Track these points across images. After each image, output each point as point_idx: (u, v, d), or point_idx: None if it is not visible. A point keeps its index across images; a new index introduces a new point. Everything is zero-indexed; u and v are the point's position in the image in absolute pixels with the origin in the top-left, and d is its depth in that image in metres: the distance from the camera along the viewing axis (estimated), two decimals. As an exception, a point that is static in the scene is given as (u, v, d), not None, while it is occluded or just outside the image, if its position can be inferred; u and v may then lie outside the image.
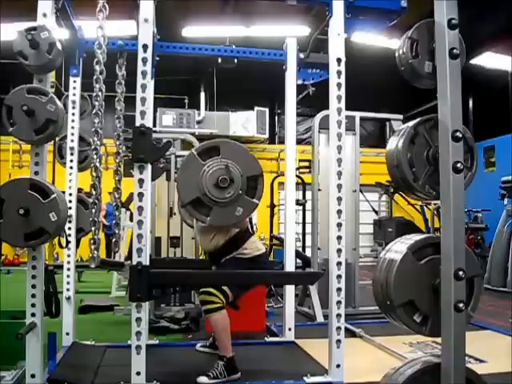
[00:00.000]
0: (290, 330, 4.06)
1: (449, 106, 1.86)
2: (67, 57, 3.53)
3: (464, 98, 1.87)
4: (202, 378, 3.06)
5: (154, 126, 5.84)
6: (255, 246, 3.39)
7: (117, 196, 3.64)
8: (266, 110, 11.50)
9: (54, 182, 4.26)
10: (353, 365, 3.08)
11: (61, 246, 3.17)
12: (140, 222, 2.62)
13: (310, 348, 3.76)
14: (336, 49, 3.03)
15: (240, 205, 2.80)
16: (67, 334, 3.68)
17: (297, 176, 5.28)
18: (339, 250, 2.96)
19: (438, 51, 1.92)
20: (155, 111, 5.97)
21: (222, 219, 2.85)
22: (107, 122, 3.45)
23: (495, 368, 3.16)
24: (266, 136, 11.51)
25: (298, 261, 5.62)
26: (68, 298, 3.74)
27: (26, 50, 2.56)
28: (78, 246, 9.50)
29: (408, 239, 1.93)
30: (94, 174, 3.30)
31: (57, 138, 3.98)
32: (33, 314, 2.60)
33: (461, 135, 1.84)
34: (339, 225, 2.97)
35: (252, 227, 4.76)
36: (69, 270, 3.76)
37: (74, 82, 3.84)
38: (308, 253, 6.35)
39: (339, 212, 2.97)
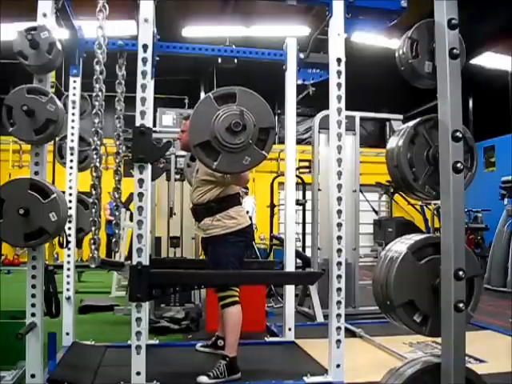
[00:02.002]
0: (290, 330, 4.06)
1: (449, 106, 1.86)
2: (67, 57, 3.53)
3: (464, 98, 1.87)
4: (202, 378, 3.06)
5: (154, 126, 5.83)
6: (239, 215, 3.40)
7: (117, 196, 3.64)
8: (266, 110, 11.47)
9: (53, 182, 4.25)
10: (353, 365, 3.08)
11: (61, 246, 3.17)
12: (140, 222, 2.62)
13: (310, 348, 3.76)
14: (336, 49, 3.03)
15: (248, 154, 2.74)
16: (67, 334, 3.68)
17: (297, 176, 5.28)
18: (339, 250, 2.96)
19: (438, 51, 1.92)
20: (155, 111, 5.95)
21: (228, 165, 2.78)
22: (107, 122, 3.44)
23: (495, 368, 3.16)
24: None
25: (298, 261, 5.62)
26: (68, 298, 3.74)
27: (26, 49, 2.56)
28: (80, 246, 9.54)
29: (408, 239, 1.93)
30: (94, 173, 3.30)
31: (57, 138, 3.98)
32: (33, 314, 2.60)
33: (461, 135, 1.84)
34: (339, 225, 2.97)
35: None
36: (69, 269, 3.76)
37: (74, 82, 3.84)
38: (308, 253, 6.35)
39: (339, 212, 2.97)
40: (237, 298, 3.29)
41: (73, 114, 3.79)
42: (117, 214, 3.76)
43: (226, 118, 2.69)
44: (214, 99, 2.76)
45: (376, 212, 11.65)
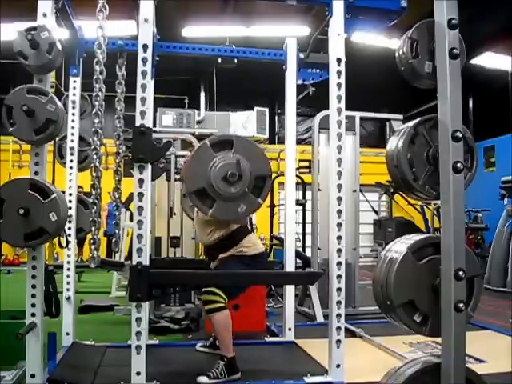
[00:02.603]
0: (290, 330, 4.06)
1: (449, 106, 1.86)
2: (67, 57, 3.53)
3: (464, 98, 1.87)
4: (202, 378, 3.06)
5: (154, 126, 5.83)
6: (253, 244, 3.38)
7: (117, 196, 3.64)
8: (266, 110, 11.49)
9: (53, 182, 4.26)
10: (353, 365, 3.08)
11: (61, 246, 3.17)
12: (140, 222, 2.62)
13: (309, 348, 3.76)
14: (336, 49, 3.03)
15: (244, 202, 2.79)
16: (67, 334, 3.68)
17: (297, 176, 5.28)
18: (339, 250, 2.96)
19: (438, 51, 1.92)
20: (155, 111, 5.96)
21: (224, 213, 2.83)
22: (107, 122, 3.44)
23: (495, 368, 3.16)
24: (266, 136, 11.48)
25: (298, 261, 5.62)
26: (68, 298, 3.74)
27: (26, 49, 2.56)
28: (82, 246, 9.50)
29: (408, 239, 1.93)
30: (94, 173, 3.30)
31: (57, 138, 3.98)
32: (33, 314, 2.59)
33: (461, 135, 1.84)
34: (339, 225, 2.97)
35: (252, 226, 4.74)
36: (69, 269, 3.76)
37: (74, 82, 3.84)
38: (308, 253, 6.35)
39: (339, 212, 2.97)
40: (223, 304, 3.17)
41: (73, 114, 3.79)
42: (117, 214, 3.76)
43: (222, 166, 2.72)
44: (211, 146, 2.78)
45: (376, 212, 11.65)
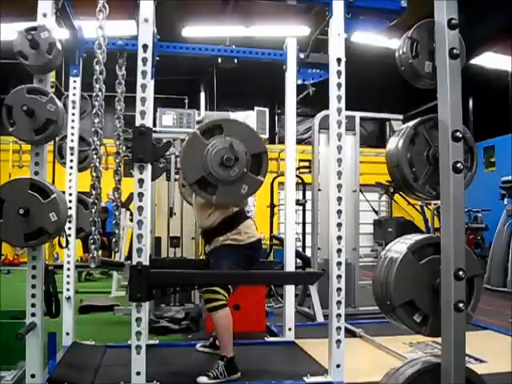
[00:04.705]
0: (290, 330, 4.06)
1: (449, 106, 1.86)
2: (67, 57, 3.53)
3: (464, 98, 1.87)
4: (202, 378, 3.06)
5: (154, 126, 5.83)
6: (249, 231, 3.38)
7: (117, 196, 3.64)
8: (266, 109, 11.49)
9: (53, 182, 4.25)
10: (353, 365, 3.08)
11: (61, 246, 3.17)
12: (140, 222, 2.62)
13: (310, 348, 3.76)
14: (336, 49, 3.03)
15: (245, 182, 2.77)
16: (67, 334, 3.68)
17: (297, 176, 5.28)
18: (339, 250, 2.96)
19: (438, 51, 1.92)
20: (155, 111, 5.95)
21: (227, 197, 2.82)
22: (107, 122, 3.44)
23: (495, 368, 3.16)
24: (266, 136, 11.48)
25: (298, 261, 5.62)
26: (68, 298, 3.74)
27: (26, 49, 2.56)
28: (86, 247, 9.51)
29: (408, 239, 1.93)
30: (94, 174, 3.30)
31: (57, 138, 3.98)
32: (33, 314, 2.60)
33: (461, 135, 1.84)
34: (339, 225, 2.97)
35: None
36: (69, 269, 3.76)
37: (74, 81, 3.84)
38: (308, 253, 6.35)
39: (339, 212, 2.97)
40: (224, 302, 3.18)
41: (73, 114, 3.79)
42: (117, 214, 3.76)
43: (216, 153, 2.71)
44: (201, 134, 2.77)
45: (376, 212, 11.67)
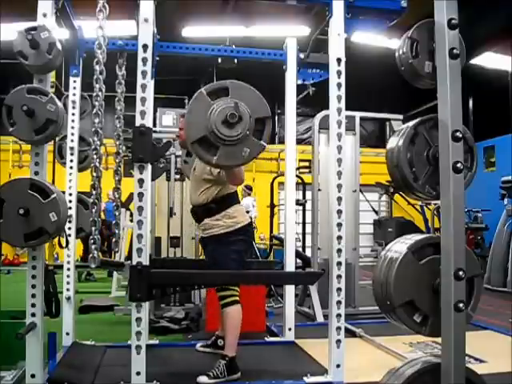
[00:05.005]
0: (290, 330, 4.06)
1: (449, 106, 1.86)
2: (67, 57, 3.52)
3: (464, 98, 1.87)
4: (202, 378, 3.06)
5: (154, 126, 5.83)
6: (239, 214, 3.42)
7: (117, 196, 3.64)
8: (266, 110, 11.49)
9: (53, 182, 4.25)
10: (353, 365, 3.08)
11: (61, 246, 3.17)
12: (140, 222, 2.62)
13: (309, 348, 3.76)
14: (336, 49, 3.03)
15: (247, 145, 2.72)
16: (67, 334, 3.68)
17: (297, 176, 5.28)
18: (339, 250, 2.96)
19: (438, 51, 1.92)
20: (155, 111, 5.96)
21: (228, 159, 2.76)
22: (107, 122, 3.45)
23: (495, 368, 3.16)
24: (266, 136, 11.49)
25: (298, 261, 5.62)
26: (68, 298, 3.74)
27: (26, 49, 2.56)
28: (86, 247, 9.50)
29: (408, 239, 1.93)
30: (94, 174, 3.30)
31: (57, 138, 3.98)
32: (33, 314, 2.60)
33: (461, 135, 1.84)
34: (339, 225, 2.97)
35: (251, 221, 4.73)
36: (69, 269, 3.76)
37: (74, 81, 3.84)
38: (308, 253, 6.35)
39: (339, 212, 2.97)
40: (237, 298, 3.30)
41: (73, 114, 3.79)
42: (116, 214, 3.76)
43: (220, 111, 2.67)
44: (207, 94, 2.75)
45: (376, 212, 11.67)
